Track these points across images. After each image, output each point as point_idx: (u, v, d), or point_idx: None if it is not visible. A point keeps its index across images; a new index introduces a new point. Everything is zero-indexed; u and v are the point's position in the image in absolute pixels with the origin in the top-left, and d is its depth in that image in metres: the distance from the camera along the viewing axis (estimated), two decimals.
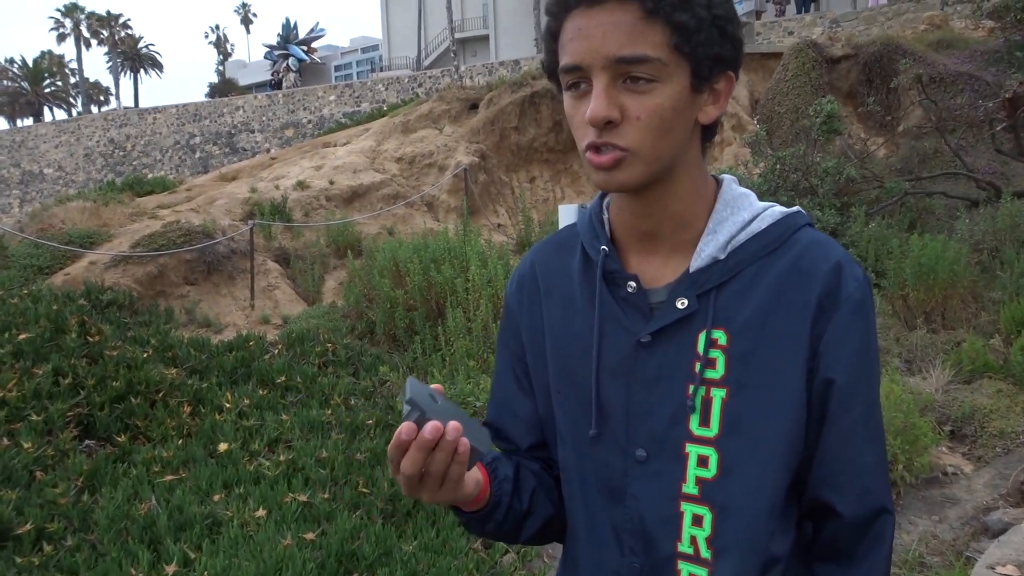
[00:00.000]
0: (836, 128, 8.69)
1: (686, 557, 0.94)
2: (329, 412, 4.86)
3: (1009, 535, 3.18)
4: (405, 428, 0.82)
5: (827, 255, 0.93)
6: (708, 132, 0.96)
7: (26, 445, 3.90)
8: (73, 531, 3.41)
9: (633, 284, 0.97)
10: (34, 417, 4.15)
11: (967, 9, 14.85)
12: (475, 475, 0.95)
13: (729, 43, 0.89)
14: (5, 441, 3.96)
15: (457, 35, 33.62)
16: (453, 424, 0.82)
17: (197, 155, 33.48)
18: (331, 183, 11.69)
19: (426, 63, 39.75)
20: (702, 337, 0.93)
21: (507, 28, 38.10)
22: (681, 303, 0.94)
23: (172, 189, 12.87)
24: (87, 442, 4.25)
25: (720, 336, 0.93)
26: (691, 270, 0.95)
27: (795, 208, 1.00)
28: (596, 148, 0.88)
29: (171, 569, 3.12)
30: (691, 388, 0.93)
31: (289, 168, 12.65)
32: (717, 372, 0.93)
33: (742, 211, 0.96)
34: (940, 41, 12.45)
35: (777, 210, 0.98)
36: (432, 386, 0.88)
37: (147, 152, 34.73)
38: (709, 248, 0.94)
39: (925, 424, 4.18)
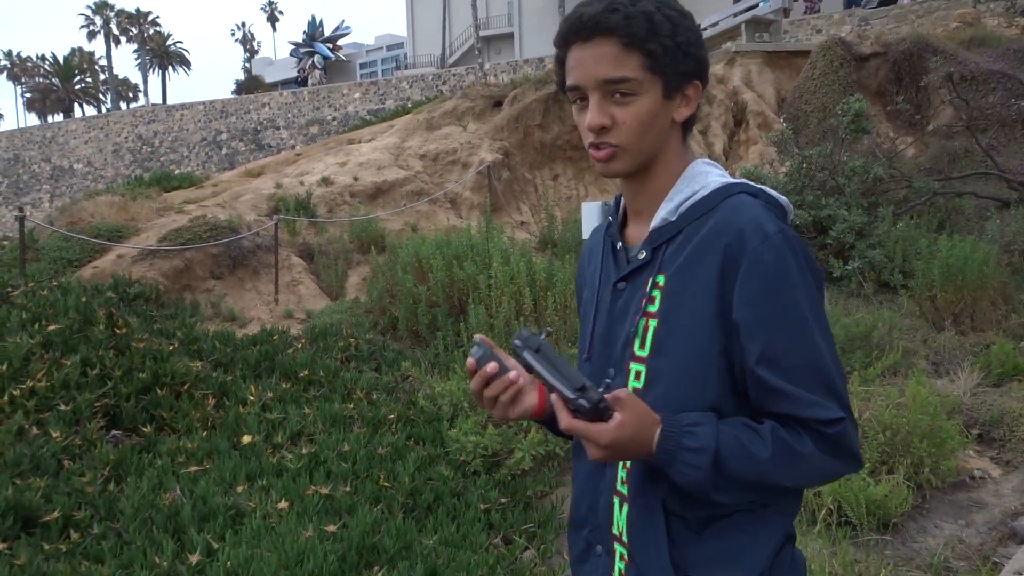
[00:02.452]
0: (864, 127, 8.57)
1: None
2: (351, 406, 4.90)
3: None
4: (470, 362, 1.19)
5: (735, 219, 1.14)
6: (686, 125, 1.25)
7: (54, 434, 3.97)
8: (99, 519, 3.46)
9: (619, 244, 1.29)
10: (62, 407, 4.21)
11: (1000, 7, 14.60)
12: (533, 398, 1.23)
13: (692, 60, 1.18)
14: (34, 430, 4.03)
15: (482, 33, 33.62)
16: (493, 364, 1.17)
17: (223, 151, 33.81)
18: (355, 179, 11.75)
19: (451, 61, 39.82)
20: (650, 281, 1.20)
21: (532, 26, 38.06)
22: (641, 255, 1.22)
23: (199, 184, 13.00)
24: (113, 432, 4.30)
25: (661, 279, 1.19)
26: (650, 229, 1.23)
27: (738, 180, 1.22)
28: (596, 146, 1.19)
29: (195, 558, 3.17)
30: (637, 319, 1.19)
31: (314, 164, 12.74)
32: (655, 307, 1.18)
33: (695, 184, 1.22)
34: (972, 39, 12.22)
35: (720, 181, 1.21)
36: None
37: (174, 148, 35.12)
38: (663, 212, 1.22)
39: (952, 427, 4.12)
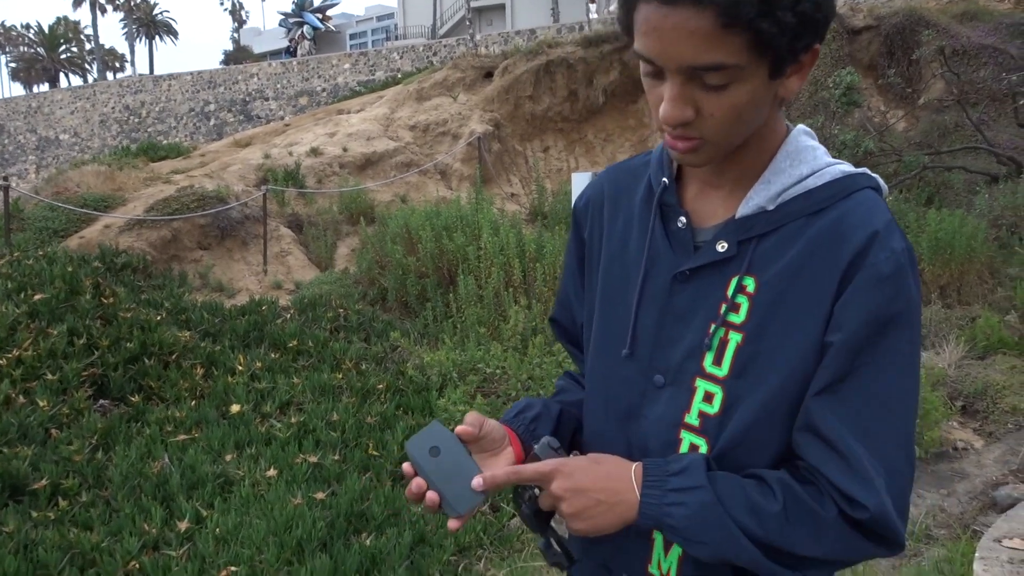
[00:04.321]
0: (855, 100, 8.55)
1: None
2: (340, 376, 4.89)
3: (1017, 510, 3.17)
4: (405, 468, 0.99)
5: (867, 220, 0.91)
6: None
7: (41, 403, 3.95)
8: (87, 487, 3.46)
9: (683, 220, 1.01)
10: (49, 376, 4.19)
11: None
12: (508, 458, 1.03)
13: (816, 27, 0.86)
14: (21, 399, 4.01)
15: (473, 3, 33.17)
16: (415, 488, 0.96)
17: (212, 122, 33.41)
18: (344, 150, 11.64)
19: (441, 32, 39.33)
20: (734, 281, 0.96)
21: None
22: (721, 246, 0.97)
23: (186, 155, 12.86)
24: (101, 402, 4.29)
25: (750, 283, 0.95)
26: (736, 216, 0.97)
27: (861, 170, 0.98)
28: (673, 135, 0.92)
29: (183, 525, 3.17)
30: (712, 327, 0.96)
31: (303, 135, 12.61)
32: (739, 317, 0.95)
33: (802, 165, 0.96)
34: (964, 13, 12.16)
35: (838, 169, 0.96)
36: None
37: (162, 119, 34.68)
38: (758, 198, 0.96)
39: (936, 399, 4.15)
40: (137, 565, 2.90)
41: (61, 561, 2.86)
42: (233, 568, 2.82)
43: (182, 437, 3.96)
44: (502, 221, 7.24)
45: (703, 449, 0.96)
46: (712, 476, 0.92)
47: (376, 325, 6.28)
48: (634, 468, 0.95)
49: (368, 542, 3.10)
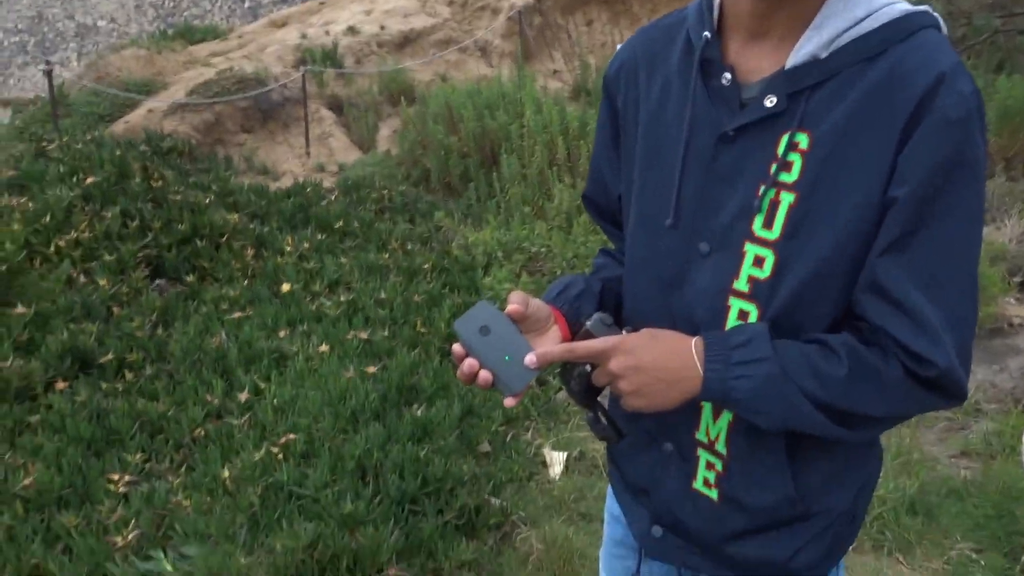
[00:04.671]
0: None
1: None
2: (387, 256, 4.93)
3: None
4: (455, 349, 0.98)
5: (931, 62, 0.84)
6: None
7: (101, 282, 4.07)
8: (151, 361, 3.60)
9: (728, 76, 0.95)
10: (107, 257, 4.30)
11: None
12: (555, 336, 1.03)
13: None
14: (82, 279, 4.14)
15: None
16: (467, 368, 0.95)
17: (246, 4, 32.58)
18: (382, 28, 11.29)
19: None
20: (785, 138, 0.90)
21: None
22: (770, 101, 0.90)
23: (223, 37, 12.63)
24: (158, 281, 4.41)
25: (803, 139, 0.89)
26: (786, 67, 0.90)
27: (921, 7, 0.90)
28: None
29: (243, 396, 3.30)
30: (761, 188, 0.91)
31: (338, 13, 12.24)
32: (791, 176, 0.89)
33: (856, 7, 0.88)
34: None
35: (897, 8, 0.88)
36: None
37: (196, 2, 33.90)
38: (809, 45, 0.88)
39: (994, 274, 4.04)
40: (203, 432, 3.06)
41: (131, 428, 3.02)
42: (292, 436, 2.93)
43: (237, 314, 4.07)
44: (545, 98, 7.05)
45: (753, 316, 0.93)
46: (775, 345, 0.90)
47: (420, 206, 6.27)
48: (694, 342, 0.93)
49: (419, 413, 3.19)
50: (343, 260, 4.80)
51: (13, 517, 2.49)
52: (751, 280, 0.93)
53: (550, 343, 1.01)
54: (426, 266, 4.76)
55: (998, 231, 4.81)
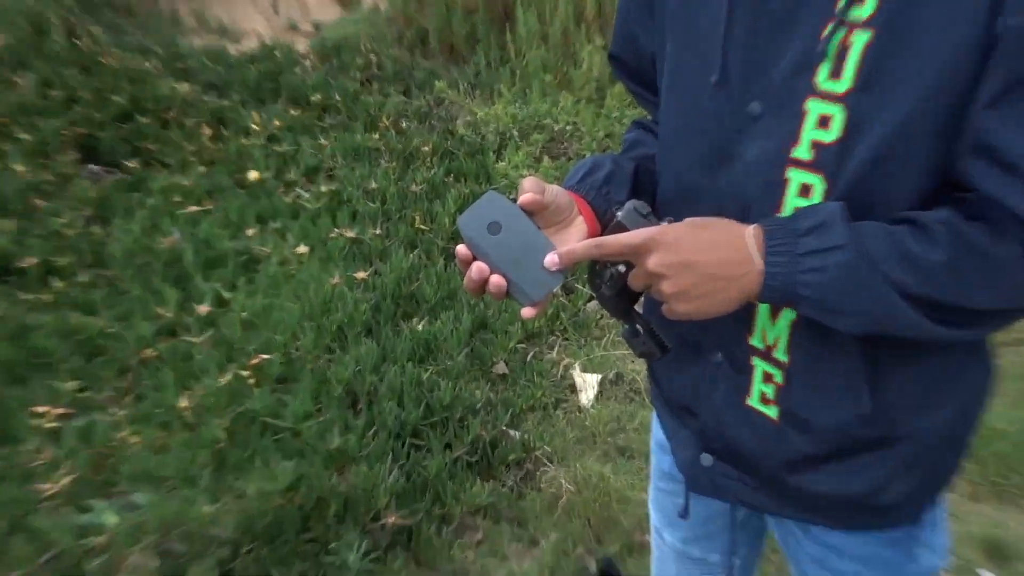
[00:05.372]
0: None
1: None
2: (377, 136, 4.87)
3: None
4: (459, 251, 0.97)
5: None
6: None
7: (18, 168, 3.99)
8: (86, 266, 3.54)
9: None
10: (23, 136, 4.21)
11: None
12: (579, 230, 1.03)
13: None
14: None
15: None
16: (476, 274, 0.95)
17: None
18: None
19: None
20: None
21: None
22: None
23: None
24: (91, 167, 4.33)
25: None
26: None
27: None
28: None
29: (203, 309, 3.26)
30: (827, 29, 0.86)
31: None
32: (864, 10, 0.84)
33: None
34: None
35: None
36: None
37: None
38: None
39: None
40: (153, 353, 3.01)
41: (62, 349, 2.97)
42: (265, 356, 2.91)
43: (193, 208, 4.01)
44: None
45: (818, 190, 0.90)
46: (853, 228, 0.86)
47: (417, 74, 6.16)
48: (751, 232, 0.90)
49: (420, 328, 3.18)
50: (323, 141, 4.74)
51: None
52: (815, 145, 0.89)
53: (574, 239, 1.01)
54: (425, 148, 4.69)
55: None
